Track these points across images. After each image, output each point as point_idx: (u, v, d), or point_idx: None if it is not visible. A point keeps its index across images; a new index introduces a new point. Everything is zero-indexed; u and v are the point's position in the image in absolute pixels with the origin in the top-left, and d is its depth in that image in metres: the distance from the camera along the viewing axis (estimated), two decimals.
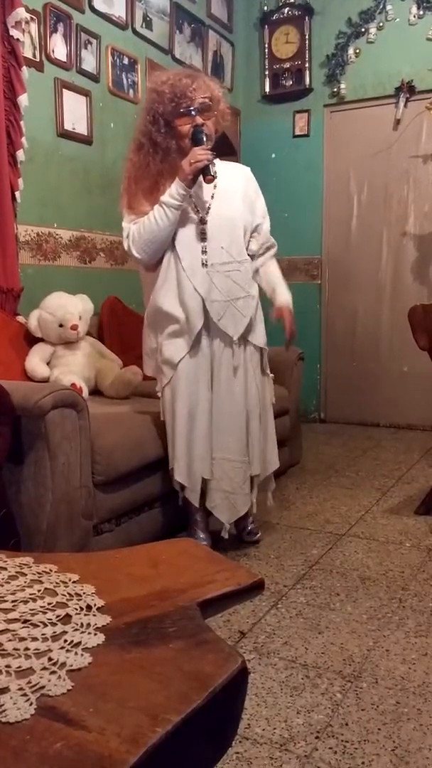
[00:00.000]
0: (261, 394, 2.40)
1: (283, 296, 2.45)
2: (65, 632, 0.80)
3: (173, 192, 2.17)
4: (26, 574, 0.96)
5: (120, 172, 2.34)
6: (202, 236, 2.26)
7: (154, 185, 2.23)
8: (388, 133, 4.63)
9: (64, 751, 0.60)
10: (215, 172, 2.20)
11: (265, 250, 2.42)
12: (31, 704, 0.66)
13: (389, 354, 4.81)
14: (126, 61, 3.79)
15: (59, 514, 1.99)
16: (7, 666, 0.72)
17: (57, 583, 0.94)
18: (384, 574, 2.34)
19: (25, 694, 0.68)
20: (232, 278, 2.27)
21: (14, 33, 2.84)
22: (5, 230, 2.88)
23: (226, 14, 4.75)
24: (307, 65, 4.75)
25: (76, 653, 0.75)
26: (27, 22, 2.99)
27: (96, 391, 2.95)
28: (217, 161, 2.28)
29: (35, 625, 0.81)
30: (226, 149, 4.36)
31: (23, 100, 2.91)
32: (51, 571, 0.98)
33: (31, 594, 0.90)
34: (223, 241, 2.27)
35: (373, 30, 4.54)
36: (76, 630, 0.81)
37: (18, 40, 2.87)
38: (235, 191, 2.33)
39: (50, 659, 0.74)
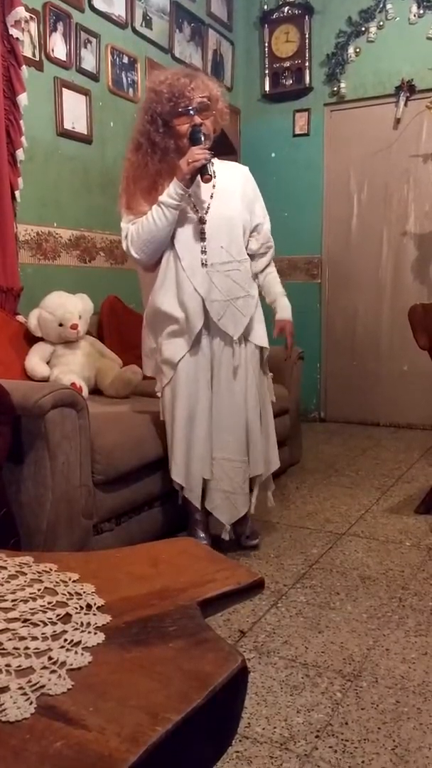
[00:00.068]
0: (261, 393, 2.40)
1: (285, 311, 2.50)
2: (65, 631, 0.80)
3: (171, 192, 2.17)
4: (26, 574, 0.97)
5: (120, 171, 2.34)
6: (202, 236, 2.25)
7: (153, 185, 2.23)
8: (388, 132, 4.63)
9: (64, 750, 0.60)
10: (213, 172, 2.20)
11: (265, 249, 2.42)
12: (31, 703, 0.66)
13: (389, 353, 4.81)
14: (126, 60, 3.79)
15: (59, 514, 1.99)
16: (7, 665, 0.72)
17: (57, 582, 0.94)
18: (384, 573, 2.34)
19: (25, 693, 0.68)
20: (231, 278, 2.27)
21: (14, 32, 2.84)
22: (5, 229, 2.88)
23: (226, 13, 4.75)
24: (307, 64, 4.75)
25: (76, 652, 0.75)
26: (26, 21, 2.99)
27: (96, 391, 2.95)
28: (215, 160, 2.28)
29: (35, 624, 0.81)
30: (225, 148, 4.36)
31: (23, 99, 2.91)
32: (51, 570, 0.98)
33: (31, 593, 0.90)
34: (223, 240, 2.27)
35: (373, 29, 4.54)
36: (76, 629, 0.81)
37: (17, 39, 2.87)
38: (233, 191, 2.33)
39: (50, 658, 0.74)
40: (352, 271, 4.87)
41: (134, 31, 3.84)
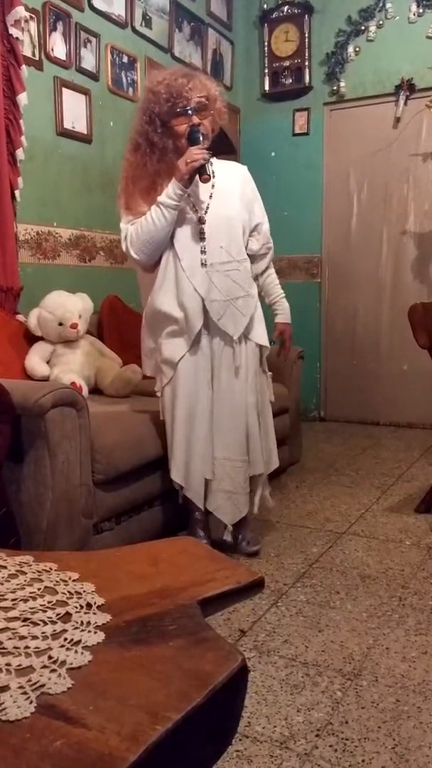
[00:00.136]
0: (261, 392, 2.40)
1: (285, 314, 2.54)
2: (65, 630, 0.80)
3: (170, 192, 2.16)
4: (26, 573, 0.97)
5: (119, 171, 2.34)
6: (201, 236, 2.25)
7: (152, 185, 2.23)
8: (388, 131, 4.63)
9: (64, 749, 0.60)
10: (212, 172, 2.20)
11: (266, 250, 2.42)
12: (31, 702, 0.66)
13: (389, 352, 4.81)
14: (125, 59, 3.79)
15: (59, 513, 1.99)
16: (7, 664, 0.72)
17: (57, 581, 0.94)
18: (384, 572, 2.34)
19: (25, 693, 0.68)
20: (231, 278, 2.27)
21: (13, 32, 2.84)
22: (5, 229, 2.88)
23: (226, 12, 4.75)
24: (306, 63, 4.75)
25: (76, 651, 0.75)
26: (26, 21, 2.99)
27: (96, 390, 2.95)
28: (213, 160, 2.27)
29: (35, 624, 0.81)
30: (225, 148, 4.37)
31: (23, 98, 2.90)
32: (51, 569, 0.98)
33: (31, 592, 0.90)
34: (222, 240, 2.26)
35: (372, 28, 4.54)
36: (76, 628, 0.81)
37: (17, 38, 2.86)
38: (232, 190, 2.33)
39: (50, 657, 0.74)
40: (351, 271, 4.87)
41: (134, 30, 3.84)
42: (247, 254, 2.35)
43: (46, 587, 0.91)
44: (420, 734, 1.46)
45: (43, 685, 0.69)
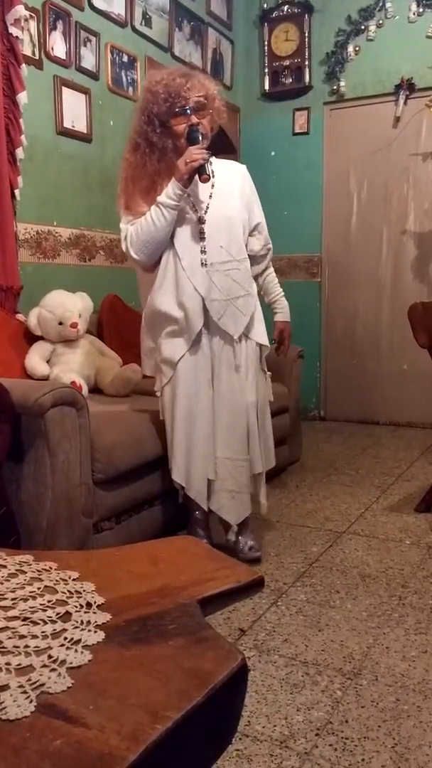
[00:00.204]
0: (260, 391, 2.40)
1: (285, 312, 2.54)
2: (65, 630, 0.80)
3: (170, 192, 2.16)
4: (26, 572, 0.97)
5: (119, 170, 2.34)
6: (201, 236, 2.25)
7: (152, 185, 2.22)
8: (387, 130, 4.63)
9: (64, 748, 0.60)
10: (212, 171, 2.19)
11: (266, 251, 2.42)
12: (31, 701, 0.66)
13: (389, 352, 4.81)
14: (125, 58, 3.78)
15: (59, 512, 1.99)
16: (7, 663, 0.72)
17: (57, 580, 0.94)
18: (384, 571, 2.34)
19: (25, 692, 0.68)
20: (231, 277, 2.27)
21: (13, 31, 2.84)
22: (5, 228, 2.88)
23: (226, 12, 4.75)
24: (306, 63, 4.75)
25: (76, 651, 0.75)
26: (26, 20, 2.99)
27: (96, 389, 2.95)
28: (213, 159, 2.27)
29: (35, 623, 0.81)
30: (225, 147, 4.36)
31: (22, 97, 2.90)
32: (51, 568, 0.98)
33: (31, 592, 0.90)
34: (222, 240, 2.26)
35: (372, 27, 4.53)
36: (76, 627, 0.81)
37: (17, 37, 2.86)
38: (232, 190, 2.33)
39: (50, 657, 0.74)
40: (351, 270, 4.87)
41: (134, 29, 3.84)
42: (248, 254, 2.35)
43: (45, 586, 0.91)
44: (420, 733, 1.46)
45: (42, 684, 0.69)
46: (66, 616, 0.83)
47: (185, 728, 0.63)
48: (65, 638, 0.78)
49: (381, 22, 4.51)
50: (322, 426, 4.87)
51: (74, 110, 3.43)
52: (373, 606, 2.08)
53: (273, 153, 4.96)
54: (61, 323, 2.80)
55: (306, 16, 4.68)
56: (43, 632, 0.79)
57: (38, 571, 0.97)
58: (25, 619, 0.82)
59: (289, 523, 2.83)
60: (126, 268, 3.72)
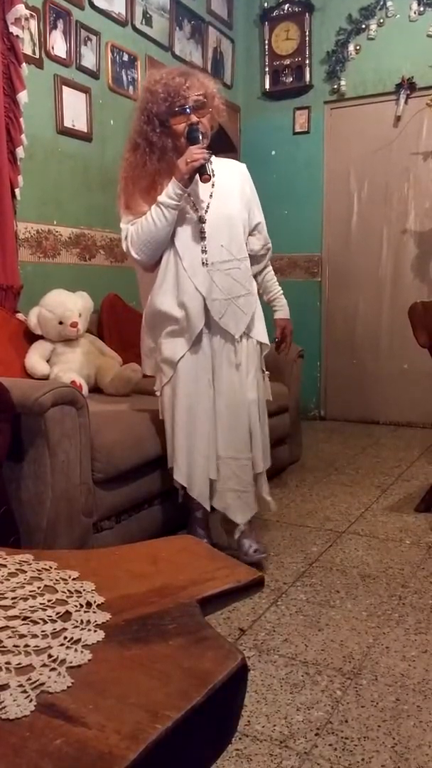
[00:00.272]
0: (261, 390, 2.40)
1: (285, 310, 2.55)
2: (65, 629, 0.80)
3: (170, 192, 2.16)
4: (26, 572, 0.97)
5: (119, 169, 2.33)
6: (202, 235, 2.24)
7: (152, 185, 2.22)
8: (388, 130, 4.63)
9: (63, 747, 0.60)
10: (212, 171, 2.19)
11: (265, 251, 2.42)
12: (31, 701, 0.66)
13: (389, 351, 4.81)
14: (126, 57, 3.78)
15: (59, 512, 1.99)
16: (7, 663, 0.72)
17: (57, 580, 0.94)
18: (384, 571, 2.34)
19: (25, 691, 0.68)
20: (232, 276, 2.26)
21: (14, 30, 2.83)
22: (5, 227, 2.88)
23: (226, 11, 4.74)
24: (307, 62, 4.74)
25: (75, 650, 0.75)
26: (27, 19, 2.98)
27: (96, 389, 2.95)
28: (213, 158, 2.27)
29: (35, 622, 0.81)
30: (225, 146, 4.36)
31: (23, 97, 2.90)
32: (51, 568, 0.98)
33: (30, 591, 0.90)
34: (223, 239, 2.26)
35: (373, 26, 4.53)
36: (76, 627, 0.81)
37: (17, 36, 2.86)
38: (232, 189, 2.32)
39: (50, 656, 0.74)
40: (352, 269, 4.86)
41: (134, 28, 3.84)
42: (248, 254, 2.35)
43: (45, 586, 0.91)
44: (420, 733, 1.46)
45: (42, 684, 0.69)
46: (66, 616, 0.83)
47: (185, 728, 0.63)
48: (65, 637, 0.78)
49: (382, 21, 4.50)
50: (322, 426, 4.87)
51: (74, 109, 3.43)
52: (373, 606, 2.08)
53: (273, 152, 4.96)
54: (61, 322, 2.80)
55: (306, 14, 4.68)
56: (43, 631, 0.79)
57: (38, 570, 0.97)
58: (25, 618, 0.82)
59: (289, 523, 2.83)
60: (126, 267, 3.72)
